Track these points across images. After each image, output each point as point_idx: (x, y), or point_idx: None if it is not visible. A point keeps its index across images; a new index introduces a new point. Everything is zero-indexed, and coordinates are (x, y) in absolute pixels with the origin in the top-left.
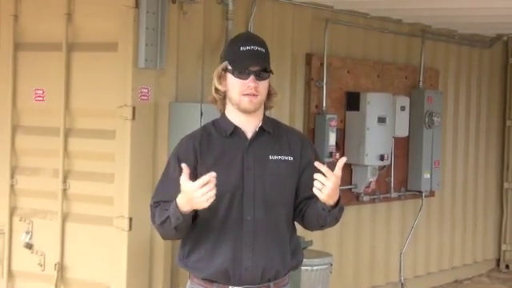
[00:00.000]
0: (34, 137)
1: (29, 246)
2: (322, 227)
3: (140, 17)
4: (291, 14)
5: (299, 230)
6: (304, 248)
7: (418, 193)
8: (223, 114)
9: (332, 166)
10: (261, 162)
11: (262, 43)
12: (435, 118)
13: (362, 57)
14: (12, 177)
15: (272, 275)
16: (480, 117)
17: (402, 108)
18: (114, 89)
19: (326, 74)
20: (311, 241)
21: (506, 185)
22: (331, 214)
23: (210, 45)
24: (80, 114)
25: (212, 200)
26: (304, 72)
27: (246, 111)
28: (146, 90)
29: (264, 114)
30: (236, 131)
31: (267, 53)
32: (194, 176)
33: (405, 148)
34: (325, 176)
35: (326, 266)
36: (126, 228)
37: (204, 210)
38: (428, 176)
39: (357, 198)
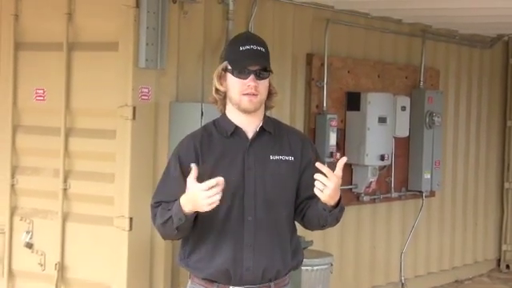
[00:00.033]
0: (35, 136)
1: (29, 246)
2: (322, 227)
3: (141, 16)
4: (292, 14)
5: (300, 229)
6: (304, 248)
7: (418, 193)
8: (224, 114)
9: (332, 166)
10: (262, 162)
11: (261, 43)
12: (436, 118)
13: (363, 57)
14: (12, 176)
15: (273, 275)
16: (480, 117)
17: (403, 108)
18: (115, 88)
19: (326, 74)
20: (312, 241)
21: (506, 185)
22: (332, 214)
23: (211, 45)
24: (80, 113)
25: (214, 206)
26: (305, 72)
27: (246, 111)
28: (146, 90)
29: (265, 114)
30: (237, 131)
31: (267, 52)
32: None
33: (405, 148)
34: (326, 177)
35: (326, 266)
36: (127, 228)
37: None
38: (428, 176)
39: (357, 198)
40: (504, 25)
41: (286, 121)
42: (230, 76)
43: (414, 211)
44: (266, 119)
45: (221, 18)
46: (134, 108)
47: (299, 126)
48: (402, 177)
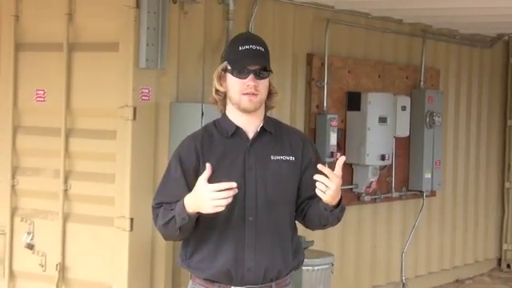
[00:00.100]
0: (35, 137)
1: (30, 247)
2: (323, 227)
3: (141, 17)
4: (292, 13)
5: (300, 229)
6: (305, 248)
7: (419, 192)
8: (224, 115)
9: (333, 166)
10: (262, 162)
11: (261, 42)
12: (436, 118)
13: (363, 57)
14: (13, 177)
15: (274, 275)
16: (481, 116)
17: (403, 108)
18: (115, 89)
19: (326, 74)
20: (312, 241)
21: (507, 184)
22: (333, 214)
23: (211, 45)
24: (81, 114)
25: (219, 209)
26: (305, 72)
27: (246, 110)
28: (146, 90)
29: (265, 114)
30: (237, 131)
31: (267, 52)
32: (195, 177)
33: (406, 148)
34: (327, 178)
35: (327, 266)
36: (127, 228)
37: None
38: (429, 176)
39: (358, 198)
40: (504, 24)
41: (286, 121)
42: (229, 76)
43: (414, 211)
44: (267, 119)
45: (221, 18)
46: (135, 108)
47: (299, 125)
48: (402, 176)
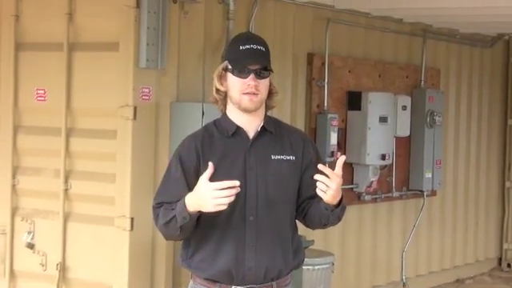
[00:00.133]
0: (36, 137)
1: (30, 246)
2: (324, 226)
3: (141, 16)
4: (292, 13)
5: (301, 229)
6: (306, 247)
7: (419, 192)
8: (224, 114)
9: (333, 166)
10: (263, 161)
11: (261, 42)
12: (437, 118)
13: (364, 56)
14: (14, 177)
15: (275, 275)
16: (481, 116)
17: (404, 107)
18: (116, 89)
19: (327, 74)
20: (313, 240)
21: (507, 184)
22: (334, 214)
23: (211, 44)
24: (81, 113)
25: (221, 208)
26: (305, 71)
27: (246, 110)
28: (147, 90)
29: (265, 114)
30: (238, 131)
31: (267, 51)
32: (195, 177)
33: (406, 147)
34: (328, 177)
35: (327, 266)
36: (128, 228)
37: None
38: (429, 175)
39: (358, 198)
40: (504, 24)
41: (286, 120)
42: (230, 75)
43: (415, 210)
44: (267, 119)
45: (221, 17)
46: (135, 108)
47: (300, 125)
48: (403, 176)
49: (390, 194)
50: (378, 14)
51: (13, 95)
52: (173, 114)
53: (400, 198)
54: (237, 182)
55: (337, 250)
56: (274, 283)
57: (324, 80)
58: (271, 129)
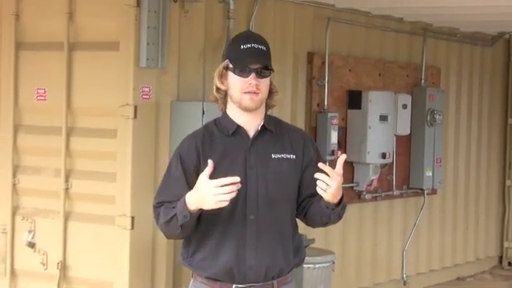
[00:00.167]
0: (36, 136)
1: (31, 245)
2: (325, 224)
3: (141, 16)
4: (293, 12)
5: (301, 227)
6: (306, 246)
7: (419, 191)
8: (225, 113)
9: (334, 165)
10: (263, 160)
11: (262, 41)
12: (437, 116)
13: (364, 55)
14: (14, 176)
15: (275, 273)
16: (482, 115)
17: (404, 106)
18: (116, 88)
19: (327, 73)
20: (313, 239)
21: (508, 182)
22: (334, 212)
23: (212, 43)
24: (82, 113)
25: (222, 205)
26: (306, 70)
27: (247, 109)
28: (147, 89)
29: (266, 113)
30: (238, 130)
31: (268, 51)
32: (196, 176)
33: (407, 146)
34: (329, 176)
35: (328, 264)
36: (128, 227)
37: (208, 210)
38: (430, 174)
39: (359, 196)
40: (505, 23)
41: (287, 119)
42: (231, 74)
43: (415, 209)
44: (267, 118)
45: (221, 16)
46: (135, 107)
47: (300, 124)
48: (403, 175)
49: (390, 193)
50: (379, 13)
51: (13, 94)
52: (173, 113)
53: (400, 196)
54: (237, 178)
55: (337, 249)
56: (274, 282)
57: (324, 79)
58: (271, 128)
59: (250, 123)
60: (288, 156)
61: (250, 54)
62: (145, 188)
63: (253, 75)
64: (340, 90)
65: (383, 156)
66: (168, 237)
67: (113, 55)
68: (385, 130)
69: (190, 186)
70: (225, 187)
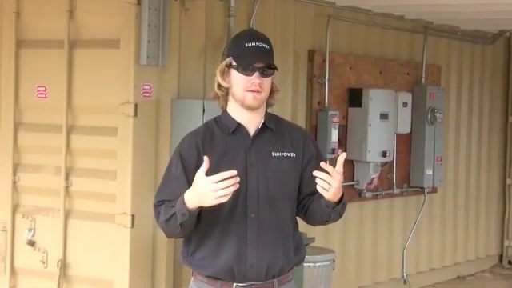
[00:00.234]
0: (37, 134)
1: (31, 243)
2: (325, 223)
3: (142, 14)
4: (293, 10)
5: (302, 226)
6: (306, 244)
7: (420, 189)
8: (225, 111)
9: (334, 163)
10: (264, 158)
11: (266, 40)
12: (437, 115)
13: (364, 53)
14: (14, 174)
15: (276, 272)
16: (482, 113)
17: (405, 104)
18: (116, 86)
19: (328, 71)
20: (314, 237)
21: (508, 181)
22: (335, 211)
23: (212, 42)
24: (82, 111)
25: (222, 200)
26: (306, 68)
27: (249, 108)
28: (148, 87)
29: (266, 111)
30: (238, 128)
31: (271, 49)
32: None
33: (407, 144)
34: (329, 175)
35: (328, 263)
36: (129, 225)
37: (208, 207)
38: (430, 172)
39: (359, 195)
40: (506, 21)
41: (287, 117)
42: (234, 72)
43: (415, 207)
44: (268, 116)
45: (222, 14)
46: (136, 105)
47: (301, 122)
48: (403, 173)
49: (390, 191)
50: (379, 11)
51: (13, 92)
52: (174, 111)
53: (401, 194)
54: (234, 172)
55: (337, 247)
56: (275, 280)
57: (325, 77)
58: (272, 126)
59: (251, 121)
60: (288, 154)
61: (254, 53)
62: (145, 186)
63: (256, 74)
64: (340, 88)
65: (384, 154)
66: (168, 236)
67: (113, 53)
68: (385, 128)
69: (191, 184)
70: (223, 182)
